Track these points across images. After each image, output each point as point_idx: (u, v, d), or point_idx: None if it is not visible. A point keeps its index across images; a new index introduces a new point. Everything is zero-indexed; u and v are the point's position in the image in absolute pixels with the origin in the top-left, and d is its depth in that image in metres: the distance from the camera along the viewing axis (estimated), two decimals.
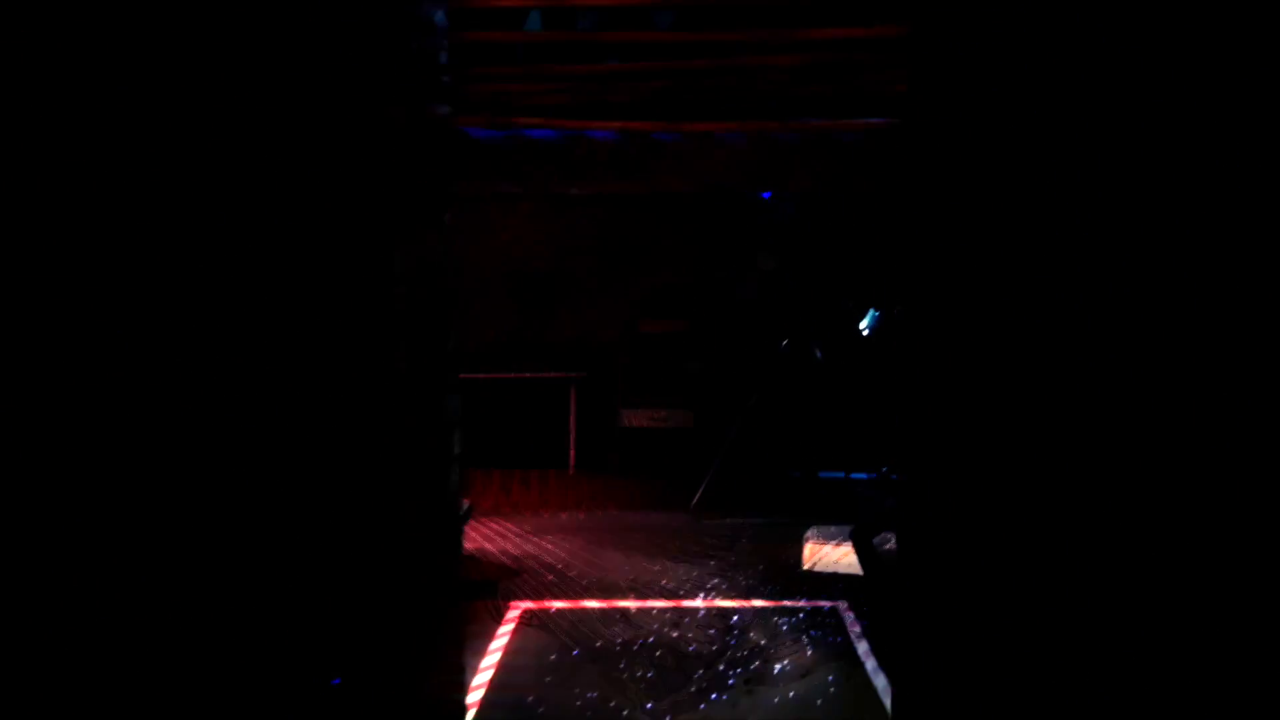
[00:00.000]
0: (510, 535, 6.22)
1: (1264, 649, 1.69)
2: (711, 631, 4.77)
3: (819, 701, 4.05)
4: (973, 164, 2.17)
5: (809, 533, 6.11)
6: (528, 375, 7.61)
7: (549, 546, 6.03)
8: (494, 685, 4.18)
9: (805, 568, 5.61)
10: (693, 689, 4.16)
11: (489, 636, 4.65)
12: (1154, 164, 1.81)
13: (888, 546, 5.17)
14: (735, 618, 4.95)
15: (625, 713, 3.93)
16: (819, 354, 6.34)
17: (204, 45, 1.84)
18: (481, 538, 6.19)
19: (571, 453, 7.74)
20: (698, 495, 6.68)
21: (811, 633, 4.74)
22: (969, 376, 2.17)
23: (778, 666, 4.39)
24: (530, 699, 4.04)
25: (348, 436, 2.11)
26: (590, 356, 7.87)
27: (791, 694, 4.12)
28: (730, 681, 4.24)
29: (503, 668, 4.36)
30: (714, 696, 4.11)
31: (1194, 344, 1.78)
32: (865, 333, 5.47)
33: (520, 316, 8.10)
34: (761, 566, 5.68)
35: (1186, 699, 1.79)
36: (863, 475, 5.08)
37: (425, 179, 2.40)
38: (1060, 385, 1.95)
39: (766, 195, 6.41)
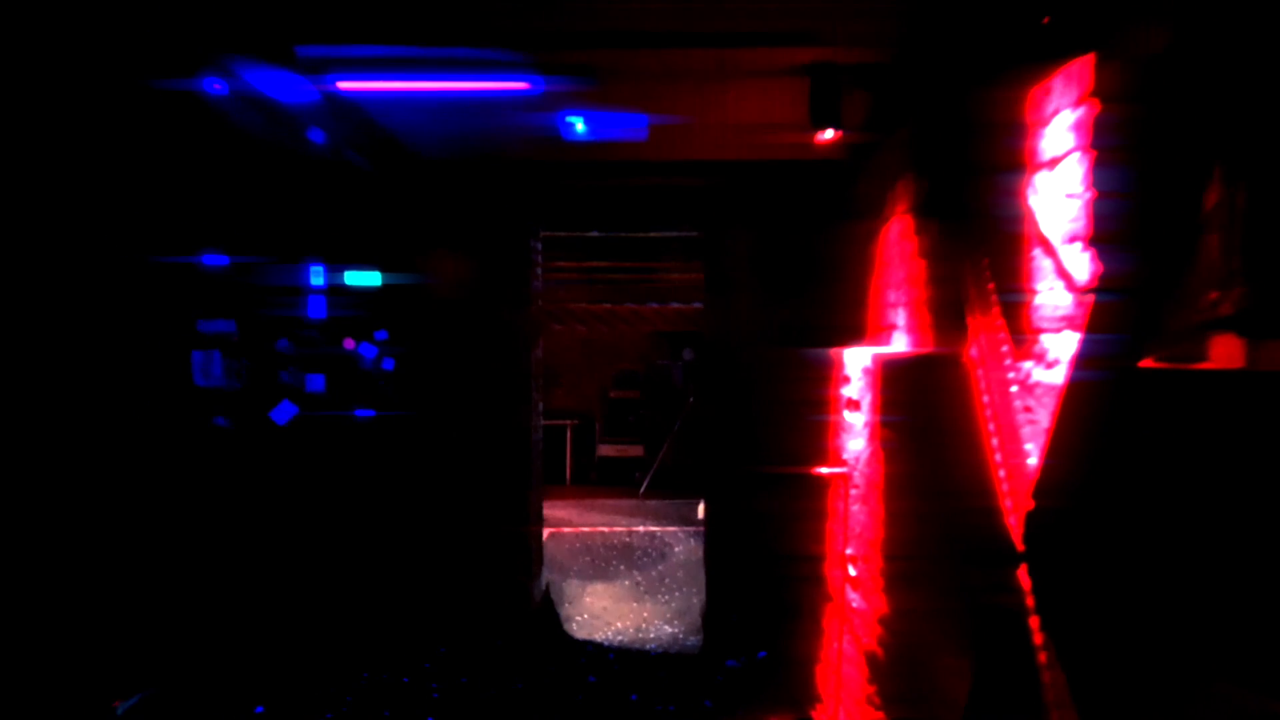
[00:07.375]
0: None
1: None
2: (647, 539, 9.44)
3: (694, 559, 8.72)
4: (717, 324, 6.99)
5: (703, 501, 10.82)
6: (541, 423, 12.29)
7: (558, 513, 10.67)
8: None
9: (699, 517, 10.30)
10: (635, 557, 8.82)
11: None
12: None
13: None
14: (659, 534, 9.64)
15: (603, 566, 8.58)
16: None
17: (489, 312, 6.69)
18: None
19: (568, 471, 12.41)
20: (643, 486, 11.38)
21: (696, 539, 9.43)
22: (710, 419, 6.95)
23: (678, 549, 9.07)
24: (559, 559, 8.69)
25: (518, 421, 6.85)
26: (579, 412, 12.66)
27: (683, 558, 8.79)
28: (653, 555, 8.90)
29: (545, 550, 8.99)
30: (646, 560, 8.76)
31: None
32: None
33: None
34: (677, 516, 10.40)
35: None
36: None
37: (535, 331, 7.23)
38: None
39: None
